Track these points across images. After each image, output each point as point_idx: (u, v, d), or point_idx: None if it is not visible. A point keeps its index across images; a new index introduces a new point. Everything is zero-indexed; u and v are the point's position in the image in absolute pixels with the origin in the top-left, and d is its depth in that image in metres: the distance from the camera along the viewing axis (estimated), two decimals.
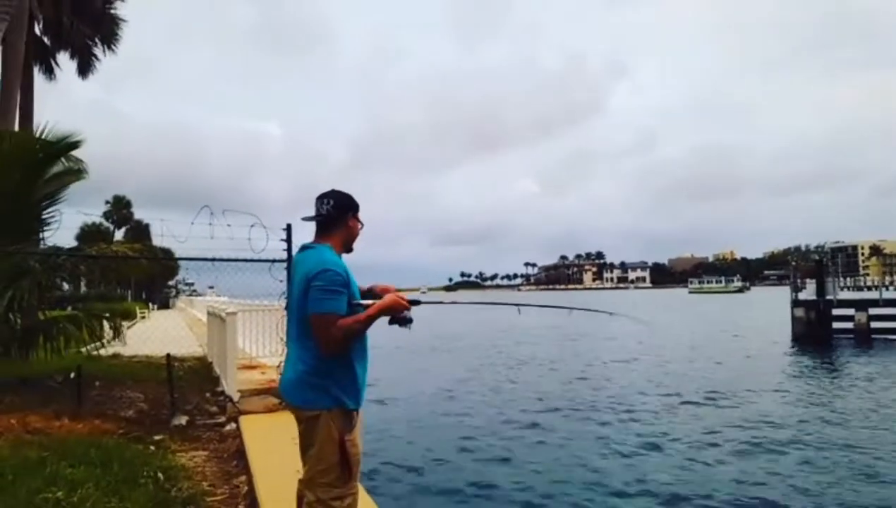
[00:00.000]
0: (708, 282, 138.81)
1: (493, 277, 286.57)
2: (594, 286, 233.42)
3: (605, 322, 34.45)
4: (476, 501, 7.63)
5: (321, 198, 2.72)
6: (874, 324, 24.95)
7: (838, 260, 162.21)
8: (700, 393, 14.64)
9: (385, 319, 2.61)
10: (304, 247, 2.74)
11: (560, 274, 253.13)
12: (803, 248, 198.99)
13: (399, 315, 2.64)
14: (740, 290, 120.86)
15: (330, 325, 2.44)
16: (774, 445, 9.96)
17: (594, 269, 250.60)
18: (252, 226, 8.96)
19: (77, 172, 7.46)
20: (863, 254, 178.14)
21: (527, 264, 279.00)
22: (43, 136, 6.86)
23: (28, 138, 7.84)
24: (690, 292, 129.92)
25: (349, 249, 2.79)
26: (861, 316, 25.04)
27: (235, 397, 7.21)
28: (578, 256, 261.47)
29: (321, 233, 2.73)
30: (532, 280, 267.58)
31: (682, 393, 14.69)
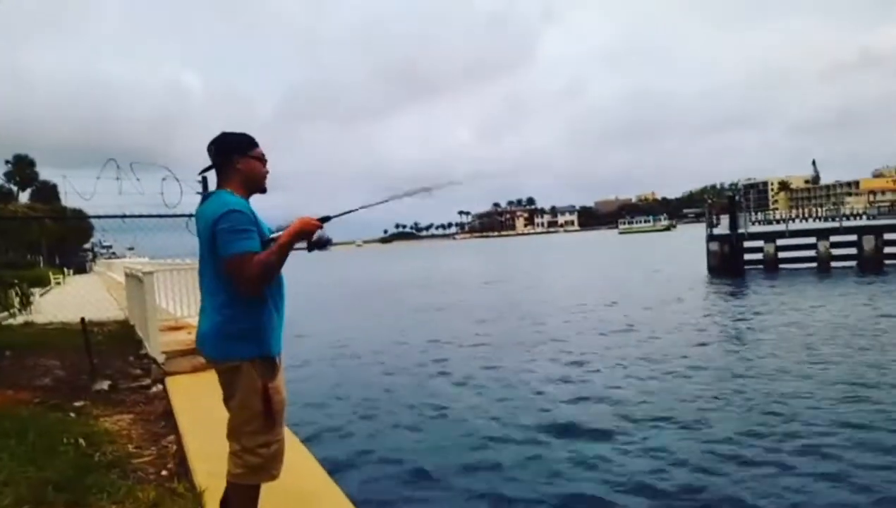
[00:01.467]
0: (637, 222, 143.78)
1: (429, 227, 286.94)
2: (526, 232, 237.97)
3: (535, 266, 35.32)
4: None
5: (208, 147, 2.59)
6: (781, 254, 26.75)
7: (750, 197, 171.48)
8: (622, 323, 15.46)
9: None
10: (203, 198, 2.62)
11: (493, 222, 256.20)
12: (719, 186, 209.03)
13: (314, 238, 2.54)
14: (667, 229, 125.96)
15: (245, 264, 2.33)
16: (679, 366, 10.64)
17: (526, 215, 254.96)
18: (164, 179, 8.47)
19: None
20: (772, 190, 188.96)
21: (461, 212, 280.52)
22: None
23: None
24: (621, 232, 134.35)
25: (258, 190, 2.65)
26: (769, 248, 26.77)
27: (160, 359, 7.00)
28: (511, 203, 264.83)
29: (218, 182, 2.60)
30: (466, 228, 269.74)
31: (608, 322, 15.43)
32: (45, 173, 54.70)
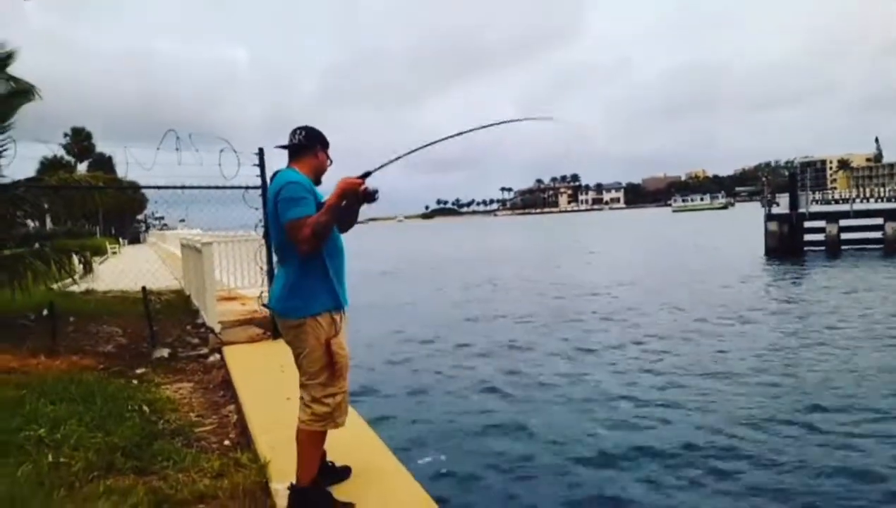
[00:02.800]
0: (692, 200, 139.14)
1: (470, 203, 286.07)
2: (570, 208, 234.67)
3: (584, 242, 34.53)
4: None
5: (295, 130, 2.98)
6: (844, 236, 25.51)
7: (807, 175, 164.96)
8: (678, 303, 14.99)
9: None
10: (274, 173, 2.96)
11: (536, 199, 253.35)
12: (773, 164, 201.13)
13: (360, 193, 2.77)
14: (725, 207, 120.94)
15: (300, 227, 2.65)
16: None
17: (569, 192, 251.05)
18: (222, 150, 8.49)
19: (25, 93, 6.89)
20: (831, 169, 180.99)
21: (503, 189, 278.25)
22: None
23: None
24: (674, 210, 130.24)
25: (318, 181, 2.98)
26: (832, 228, 25.52)
27: (217, 328, 7.06)
28: (554, 179, 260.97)
29: (292, 160, 2.95)
30: (508, 205, 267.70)
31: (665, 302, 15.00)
32: (100, 146, 56.39)
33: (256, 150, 10.04)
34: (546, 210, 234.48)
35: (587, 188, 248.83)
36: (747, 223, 32.35)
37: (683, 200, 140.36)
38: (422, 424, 7.46)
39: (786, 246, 25.67)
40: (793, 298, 15.63)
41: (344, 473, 3.13)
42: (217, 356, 6.44)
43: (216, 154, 9.00)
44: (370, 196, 2.82)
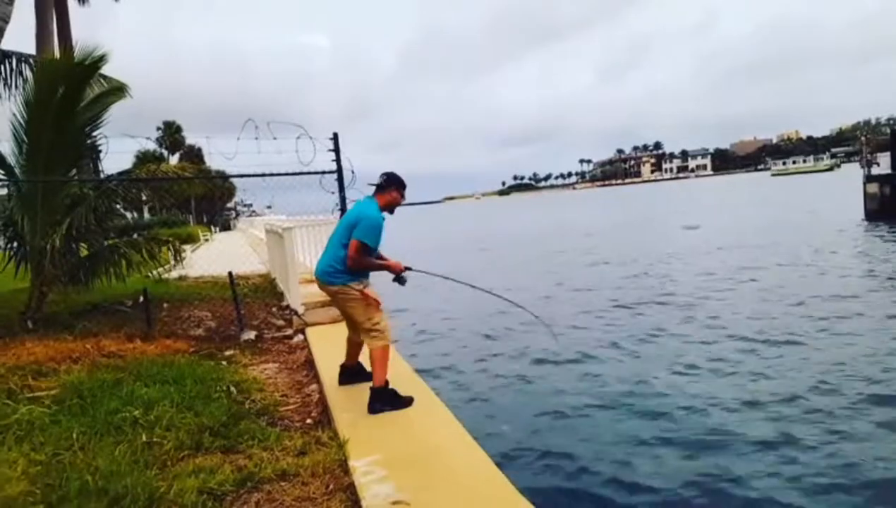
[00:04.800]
0: (794, 163, 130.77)
1: (547, 177, 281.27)
2: (653, 178, 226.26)
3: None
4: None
5: (382, 174, 4.25)
6: None
7: None
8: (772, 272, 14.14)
9: None
10: (366, 198, 4.26)
11: (617, 169, 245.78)
12: (874, 122, 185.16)
13: (397, 273, 4.16)
14: (830, 169, 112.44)
15: (362, 252, 4.01)
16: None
17: (652, 161, 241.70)
18: (298, 137, 8.70)
19: (118, 91, 7.26)
20: None
21: (582, 161, 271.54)
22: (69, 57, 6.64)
23: (55, 61, 7.64)
24: (773, 175, 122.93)
25: (390, 211, 4.24)
26: None
27: (300, 310, 7.26)
28: (636, 148, 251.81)
29: (376, 193, 4.22)
30: (588, 177, 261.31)
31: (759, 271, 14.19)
32: (190, 138, 59.40)
33: (331, 136, 10.21)
34: (628, 180, 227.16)
35: (671, 156, 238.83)
36: (851, 186, 29.92)
37: (784, 163, 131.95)
38: None
39: (889, 208, 23.63)
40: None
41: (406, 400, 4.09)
42: (301, 337, 6.63)
43: (293, 140, 9.22)
44: (401, 279, 4.20)
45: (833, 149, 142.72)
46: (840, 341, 8.68)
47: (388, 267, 4.12)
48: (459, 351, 10.24)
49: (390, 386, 4.03)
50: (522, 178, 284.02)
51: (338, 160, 9.34)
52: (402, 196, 4.23)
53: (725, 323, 10.34)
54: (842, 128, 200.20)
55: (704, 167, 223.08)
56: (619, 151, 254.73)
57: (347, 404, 4.10)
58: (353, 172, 8.95)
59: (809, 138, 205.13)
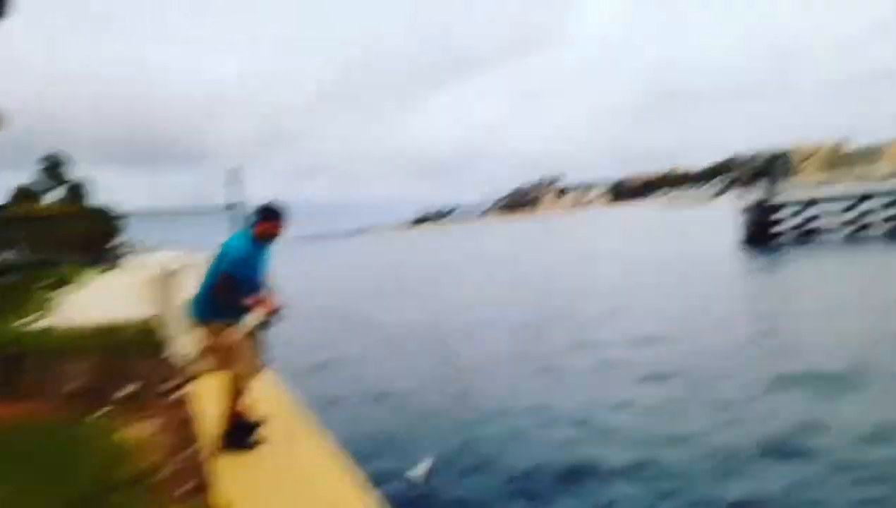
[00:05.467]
0: (681, 193, 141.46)
1: (458, 208, 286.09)
2: (556, 208, 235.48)
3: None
4: None
5: (259, 205, 4.22)
6: (814, 224, 25.99)
7: (776, 165, 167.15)
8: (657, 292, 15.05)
9: None
10: (240, 231, 4.24)
11: (522, 200, 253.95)
12: (744, 157, 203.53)
13: (269, 316, 4.12)
14: (714, 198, 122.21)
15: (225, 286, 3.99)
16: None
17: (555, 192, 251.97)
18: (201, 173, 8.36)
19: None
20: (798, 158, 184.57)
21: (489, 192, 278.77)
22: None
23: None
24: (666, 205, 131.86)
25: (268, 242, 4.21)
26: (801, 216, 26.06)
27: (186, 359, 6.89)
28: (540, 180, 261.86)
29: (252, 225, 4.16)
30: (496, 208, 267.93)
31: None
32: (81, 168, 55.11)
33: (232, 170, 9.90)
34: (533, 210, 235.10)
35: (572, 187, 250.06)
36: (730, 215, 32.75)
37: (675, 194, 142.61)
38: None
39: (759, 235, 26.10)
40: (769, 285, 15.81)
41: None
42: (186, 388, 6.27)
43: (197, 174, 8.85)
44: (269, 321, 4.19)
45: (713, 180, 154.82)
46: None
47: (255, 306, 4.06)
48: (351, 385, 10.10)
49: (249, 423, 4.11)
50: (434, 209, 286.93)
51: (238, 195, 9.01)
52: (278, 226, 4.19)
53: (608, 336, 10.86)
54: (720, 161, 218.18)
55: (603, 197, 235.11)
56: (524, 183, 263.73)
57: (233, 465, 3.91)
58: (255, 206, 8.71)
59: (693, 171, 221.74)
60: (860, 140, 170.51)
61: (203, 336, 4.22)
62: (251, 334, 4.43)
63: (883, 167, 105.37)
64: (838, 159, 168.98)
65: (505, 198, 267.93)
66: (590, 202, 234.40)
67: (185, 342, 7.16)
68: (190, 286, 8.99)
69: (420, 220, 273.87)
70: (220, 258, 4.09)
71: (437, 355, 11.34)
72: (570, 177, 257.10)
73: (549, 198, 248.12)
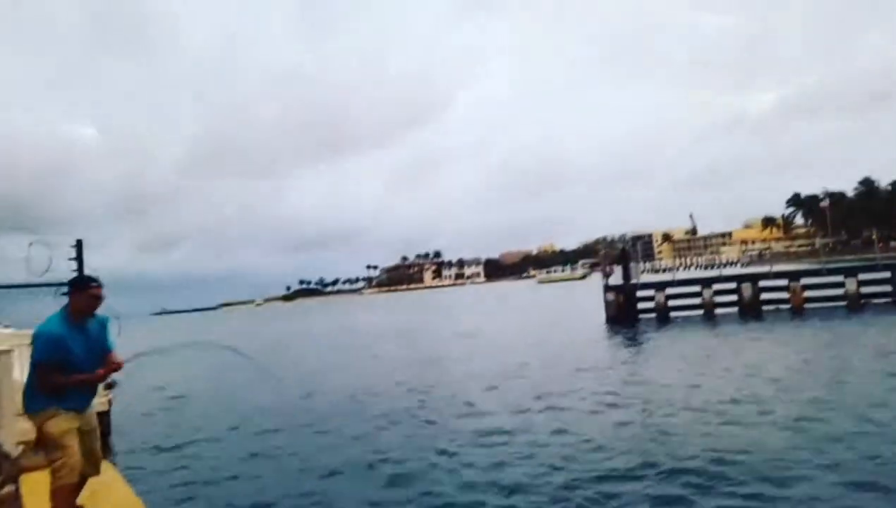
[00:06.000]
0: (555, 271, 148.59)
1: (335, 282, 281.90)
2: (434, 284, 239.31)
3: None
4: None
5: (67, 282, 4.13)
6: (671, 303, 28.23)
7: (638, 248, 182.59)
8: (523, 372, 15.50)
9: None
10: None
11: (402, 275, 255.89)
12: (610, 238, 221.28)
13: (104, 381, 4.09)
14: (583, 277, 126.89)
15: (40, 372, 3.82)
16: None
17: (434, 268, 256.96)
18: (31, 244, 7.69)
19: None
20: (657, 241, 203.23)
21: (369, 267, 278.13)
22: None
23: None
24: (539, 282, 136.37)
25: (84, 316, 4.04)
26: (660, 297, 28.18)
27: (13, 452, 6.09)
28: (419, 256, 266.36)
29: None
30: (374, 282, 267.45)
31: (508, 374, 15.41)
32: None
33: (74, 243, 9.16)
34: (412, 286, 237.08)
35: (450, 264, 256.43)
36: (597, 292, 34.94)
37: (548, 272, 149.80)
38: None
39: (623, 314, 27.88)
40: (618, 363, 16.90)
41: None
42: (11, 487, 5.52)
43: (27, 247, 8.09)
44: (109, 385, 4.11)
45: (581, 261, 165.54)
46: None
47: (87, 381, 3.95)
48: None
49: None
50: (309, 283, 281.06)
51: (80, 269, 8.40)
52: (88, 297, 4.04)
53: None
54: (586, 242, 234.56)
55: (478, 274, 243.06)
56: (404, 258, 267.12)
57: None
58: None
59: (562, 250, 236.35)
60: (713, 226, 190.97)
61: (32, 427, 3.97)
62: (89, 423, 4.18)
63: (731, 252, 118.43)
64: (692, 243, 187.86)
65: (384, 272, 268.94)
66: (468, 278, 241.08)
67: (15, 432, 6.36)
68: (22, 369, 8.10)
69: (294, 294, 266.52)
70: (33, 345, 3.89)
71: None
72: (448, 254, 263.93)
73: (427, 273, 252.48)
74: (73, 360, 3.91)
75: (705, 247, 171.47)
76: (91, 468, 4.13)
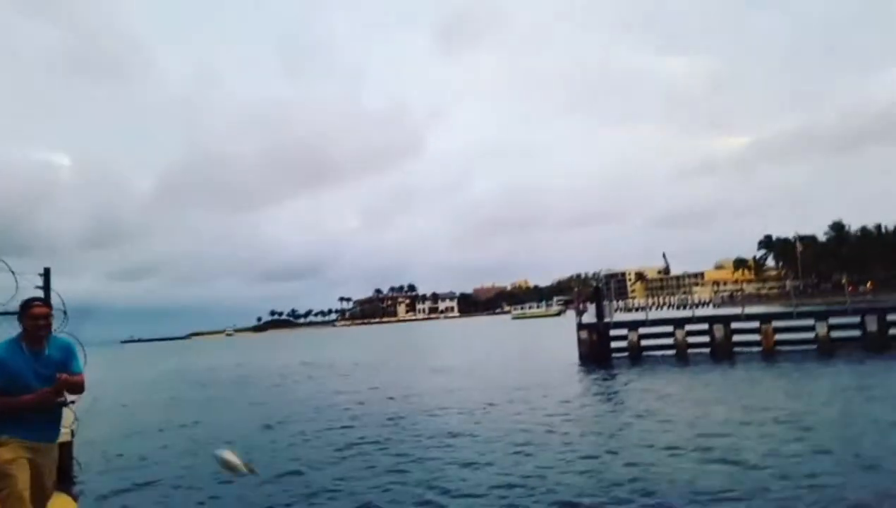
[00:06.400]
0: (530, 307, 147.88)
1: (307, 314, 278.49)
2: (408, 318, 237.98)
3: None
4: None
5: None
6: (644, 342, 28.31)
7: (611, 286, 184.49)
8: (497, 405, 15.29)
9: None
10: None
11: (375, 308, 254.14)
12: (583, 276, 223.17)
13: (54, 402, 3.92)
14: (558, 314, 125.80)
15: None
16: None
17: (407, 301, 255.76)
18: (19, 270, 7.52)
19: None
20: (630, 280, 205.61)
21: (342, 299, 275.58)
22: None
23: None
24: (514, 317, 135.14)
25: (34, 336, 3.94)
26: (633, 335, 28.27)
27: None
28: (392, 289, 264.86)
29: None
30: (347, 315, 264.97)
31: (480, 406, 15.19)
32: None
33: (41, 271, 8.87)
34: (385, 319, 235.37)
35: (424, 298, 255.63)
36: (571, 330, 34.94)
37: (522, 308, 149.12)
38: None
39: (596, 352, 27.84)
40: (600, 400, 16.82)
41: None
42: None
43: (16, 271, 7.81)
44: (60, 404, 4.02)
45: (555, 297, 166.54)
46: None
47: (29, 404, 3.78)
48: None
49: None
50: (281, 314, 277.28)
51: (47, 298, 8.10)
52: (27, 317, 3.94)
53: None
54: (560, 279, 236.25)
55: (452, 309, 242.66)
56: (378, 291, 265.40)
57: None
58: (64, 313, 7.77)
59: (536, 287, 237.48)
60: (686, 266, 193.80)
61: None
62: (45, 455, 3.96)
63: (703, 292, 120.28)
64: (665, 282, 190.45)
65: (357, 305, 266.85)
66: (442, 312, 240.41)
67: None
68: None
69: (265, 325, 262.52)
70: None
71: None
72: (422, 288, 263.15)
73: (401, 307, 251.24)
74: (19, 385, 3.78)
75: (678, 286, 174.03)
76: (38, 504, 3.89)
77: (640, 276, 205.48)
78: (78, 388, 4.07)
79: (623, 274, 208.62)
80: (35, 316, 3.92)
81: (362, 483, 9.69)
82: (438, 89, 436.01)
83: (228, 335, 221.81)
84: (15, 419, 3.77)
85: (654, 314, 34.40)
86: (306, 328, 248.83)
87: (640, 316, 32.02)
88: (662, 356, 27.54)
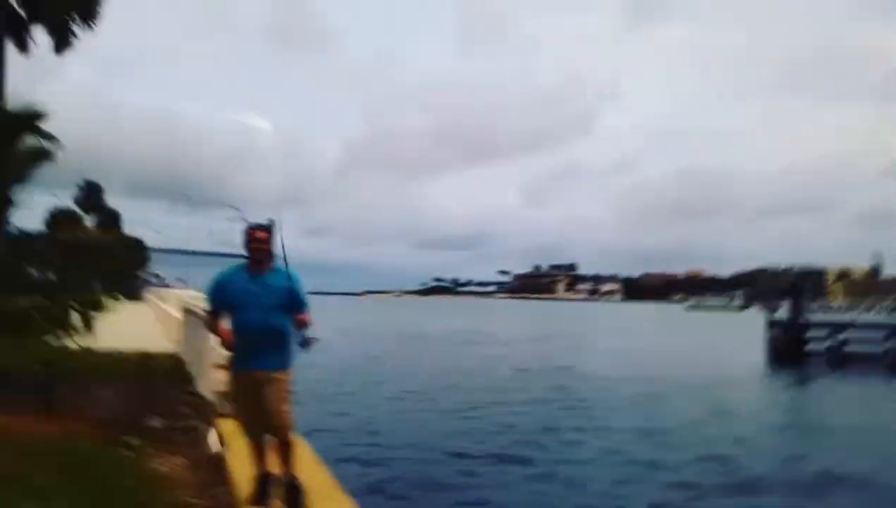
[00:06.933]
0: (708, 300, 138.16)
1: (467, 283, 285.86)
2: (566, 296, 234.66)
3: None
4: None
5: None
6: (847, 348, 25.12)
7: (807, 283, 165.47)
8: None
9: None
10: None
11: (534, 284, 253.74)
12: (770, 269, 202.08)
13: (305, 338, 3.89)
14: (741, 310, 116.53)
15: (210, 321, 4.05)
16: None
17: (567, 280, 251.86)
18: (231, 219, 8.54)
19: (47, 153, 6.98)
20: (830, 279, 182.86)
21: (501, 272, 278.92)
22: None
23: None
24: (687, 309, 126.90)
25: (257, 262, 3.92)
26: (835, 340, 25.26)
27: (212, 398, 6.81)
28: (552, 267, 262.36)
29: None
30: (506, 288, 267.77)
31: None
32: (114, 202, 56.38)
33: (267, 220, 10.08)
34: (544, 295, 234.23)
35: (585, 278, 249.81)
36: (755, 325, 31.91)
37: (699, 300, 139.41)
38: None
39: (788, 354, 25.31)
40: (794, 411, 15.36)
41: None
42: (211, 428, 6.17)
43: (226, 221, 9.03)
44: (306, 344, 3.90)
45: (739, 290, 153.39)
46: None
47: (222, 335, 3.90)
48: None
49: (275, 479, 3.92)
50: (443, 281, 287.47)
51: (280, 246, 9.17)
52: (255, 242, 3.90)
53: None
54: (742, 271, 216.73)
55: (614, 292, 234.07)
56: (537, 267, 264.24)
57: None
58: (285, 261, 8.79)
59: (714, 278, 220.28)
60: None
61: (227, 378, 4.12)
62: (264, 382, 3.84)
63: None
64: (872, 285, 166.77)
65: (516, 279, 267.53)
66: (604, 294, 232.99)
67: (212, 381, 7.10)
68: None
69: (430, 290, 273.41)
70: None
71: None
72: (583, 269, 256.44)
73: (562, 285, 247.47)
74: (233, 307, 3.85)
75: (890, 291, 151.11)
76: (270, 429, 3.91)
77: (842, 275, 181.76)
78: (304, 325, 3.95)
79: (821, 272, 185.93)
80: (257, 239, 3.88)
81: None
82: (617, 65, 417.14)
83: (397, 296, 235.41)
84: (242, 349, 3.83)
85: (865, 318, 30.35)
86: (467, 296, 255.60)
87: (845, 319, 28.36)
88: (869, 365, 24.23)
